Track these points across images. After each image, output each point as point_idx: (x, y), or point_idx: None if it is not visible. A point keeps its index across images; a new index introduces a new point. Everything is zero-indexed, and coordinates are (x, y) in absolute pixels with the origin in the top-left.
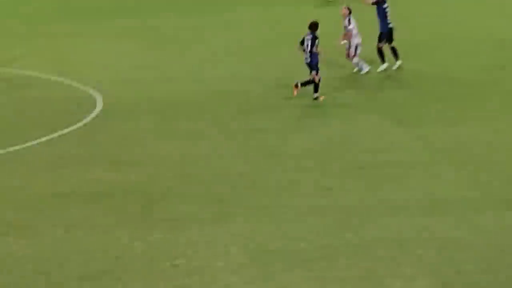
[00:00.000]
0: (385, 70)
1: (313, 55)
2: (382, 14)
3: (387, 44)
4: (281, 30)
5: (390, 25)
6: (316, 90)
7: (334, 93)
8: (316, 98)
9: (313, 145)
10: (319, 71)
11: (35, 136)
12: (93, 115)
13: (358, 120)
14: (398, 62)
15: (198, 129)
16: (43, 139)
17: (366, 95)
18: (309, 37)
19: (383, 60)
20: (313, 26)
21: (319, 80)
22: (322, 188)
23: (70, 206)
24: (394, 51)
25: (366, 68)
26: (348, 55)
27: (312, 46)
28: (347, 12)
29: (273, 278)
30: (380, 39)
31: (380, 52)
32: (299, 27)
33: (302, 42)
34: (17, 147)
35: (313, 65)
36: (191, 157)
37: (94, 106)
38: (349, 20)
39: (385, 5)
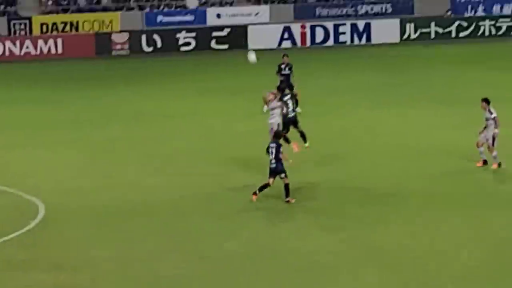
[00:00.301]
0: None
1: (278, 162)
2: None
3: (296, 129)
4: (213, 141)
5: (291, 115)
6: (287, 195)
7: (258, 200)
8: (288, 201)
9: (243, 248)
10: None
11: None
12: (35, 222)
13: (283, 224)
14: (306, 144)
15: (137, 235)
16: None
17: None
18: (273, 145)
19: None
20: (277, 135)
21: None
22: None
23: None
24: (302, 135)
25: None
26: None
27: (277, 153)
28: (273, 97)
29: None
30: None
31: (285, 138)
32: (228, 139)
33: (268, 150)
34: None
35: (281, 170)
36: (131, 261)
37: (37, 213)
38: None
39: (285, 98)
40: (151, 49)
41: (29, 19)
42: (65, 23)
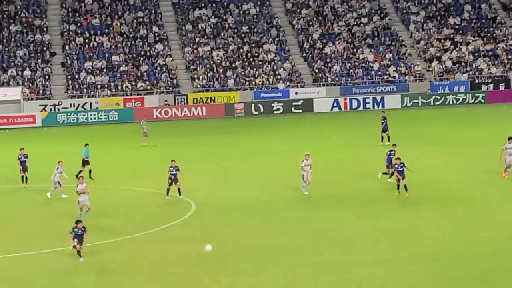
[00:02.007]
0: None
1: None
2: None
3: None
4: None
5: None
6: (406, 190)
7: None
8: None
9: (312, 227)
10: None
11: (155, 226)
12: (189, 213)
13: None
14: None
15: (246, 222)
16: (160, 227)
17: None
18: (400, 164)
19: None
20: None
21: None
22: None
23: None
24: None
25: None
26: None
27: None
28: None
29: None
30: None
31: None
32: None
33: (395, 167)
34: (145, 232)
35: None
36: (240, 235)
37: (190, 209)
38: None
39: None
40: (257, 112)
41: (186, 95)
42: (207, 98)
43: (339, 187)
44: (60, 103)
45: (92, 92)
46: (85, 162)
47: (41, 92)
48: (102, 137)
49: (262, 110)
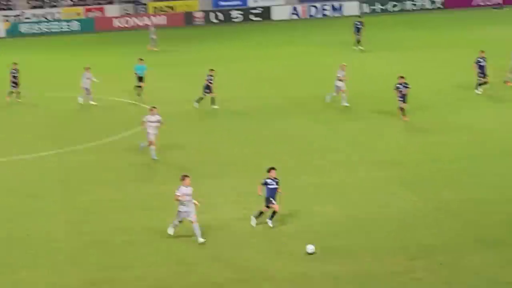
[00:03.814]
0: None
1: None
2: None
3: None
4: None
5: None
6: None
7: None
8: None
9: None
10: None
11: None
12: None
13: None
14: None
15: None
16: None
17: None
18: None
19: None
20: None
21: None
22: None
23: None
24: None
25: None
26: None
27: None
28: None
29: None
30: None
31: None
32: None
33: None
34: (102, 141)
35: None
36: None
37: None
38: None
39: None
40: (217, 21)
41: (146, 4)
42: (167, 6)
43: (299, 93)
44: (22, 13)
45: (53, 3)
46: (140, 79)
47: (4, 3)
48: (73, 46)
49: (221, 18)
